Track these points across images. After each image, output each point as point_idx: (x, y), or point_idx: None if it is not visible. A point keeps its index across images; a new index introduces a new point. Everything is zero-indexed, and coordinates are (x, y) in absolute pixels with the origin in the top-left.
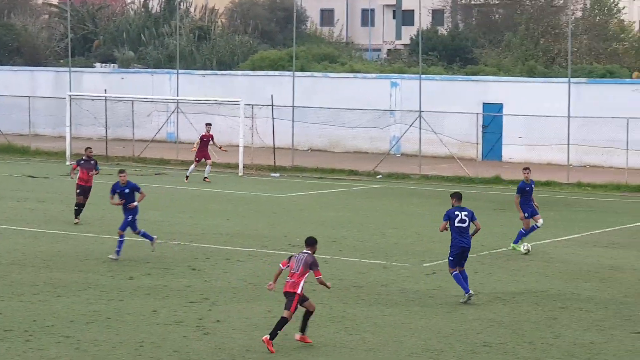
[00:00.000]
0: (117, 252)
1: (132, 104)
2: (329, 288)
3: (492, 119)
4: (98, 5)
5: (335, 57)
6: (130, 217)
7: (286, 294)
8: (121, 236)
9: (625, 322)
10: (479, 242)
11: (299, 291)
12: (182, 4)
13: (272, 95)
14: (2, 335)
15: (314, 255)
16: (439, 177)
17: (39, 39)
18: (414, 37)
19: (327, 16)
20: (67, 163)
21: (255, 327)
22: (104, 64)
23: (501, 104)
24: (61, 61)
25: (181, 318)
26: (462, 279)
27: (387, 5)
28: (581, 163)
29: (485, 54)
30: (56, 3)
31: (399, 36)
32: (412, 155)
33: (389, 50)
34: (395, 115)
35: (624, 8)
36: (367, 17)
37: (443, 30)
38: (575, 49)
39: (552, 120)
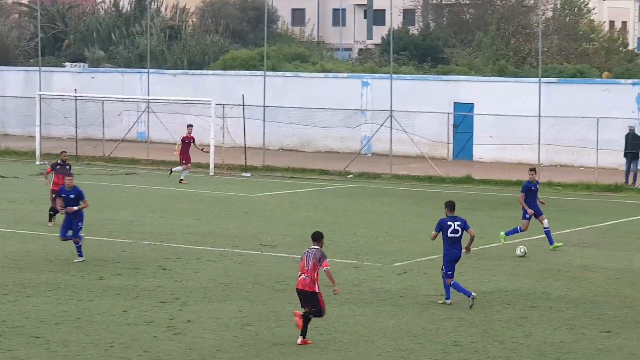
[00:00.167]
0: (79, 255)
1: (103, 103)
2: (335, 292)
3: (463, 119)
4: (68, 5)
5: (307, 56)
6: (74, 222)
7: (303, 292)
8: (76, 242)
9: (595, 321)
10: None
11: (317, 290)
12: (152, 3)
13: (243, 95)
14: None
15: (322, 249)
16: (410, 176)
17: (8, 39)
18: (385, 37)
19: (298, 16)
20: (37, 163)
21: (226, 327)
22: (74, 64)
23: (472, 103)
24: (31, 60)
25: (151, 318)
26: (461, 285)
27: (359, 5)
28: (552, 162)
29: (456, 53)
30: (26, 2)
31: (370, 36)
32: (383, 154)
33: (360, 49)
34: (367, 115)
35: (594, 8)
36: (339, 16)
37: (414, 30)
38: (546, 49)
39: (523, 119)
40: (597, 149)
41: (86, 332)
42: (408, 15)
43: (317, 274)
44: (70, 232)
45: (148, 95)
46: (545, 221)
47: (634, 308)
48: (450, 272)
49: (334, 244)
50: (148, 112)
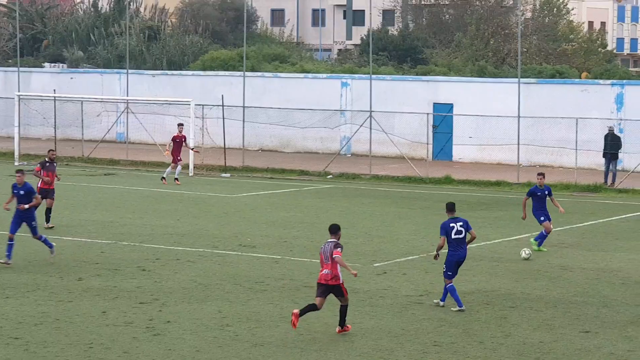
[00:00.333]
0: (8, 257)
1: (82, 104)
2: (354, 275)
3: (442, 119)
4: (47, 5)
5: (286, 57)
6: (28, 222)
7: (325, 286)
8: (10, 239)
9: (574, 321)
10: (429, 242)
11: (340, 281)
12: (131, 3)
13: (222, 96)
14: None
15: (339, 241)
16: (389, 177)
17: None
18: (364, 37)
19: (277, 16)
20: (16, 163)
21: (206, 327)
22: (53, 64)
23: (451, 104)
24: (9, 61)
25: (131, 319)
26: (456, 292)
27: (338, 6)
28: (531, 163)
29: (436, 54)
30: (5, 2)
31: (349, 36)
32: (363, 155)
33: (340, 50)
34: (346, 116)
35: (573, 9)
36: (318, 17)
37: (393, 30)
38: (525, 50)
39: (502, 120)
40: (576, 149)
41: (65, 333)
42: (387, 15)
43: (336, 265)
44: (21, 229)
45: (127, 95)
46: (550, 227)
47: (612, 308)
48: (450, 273)
49: (314, 244)
50: (127, 112)
